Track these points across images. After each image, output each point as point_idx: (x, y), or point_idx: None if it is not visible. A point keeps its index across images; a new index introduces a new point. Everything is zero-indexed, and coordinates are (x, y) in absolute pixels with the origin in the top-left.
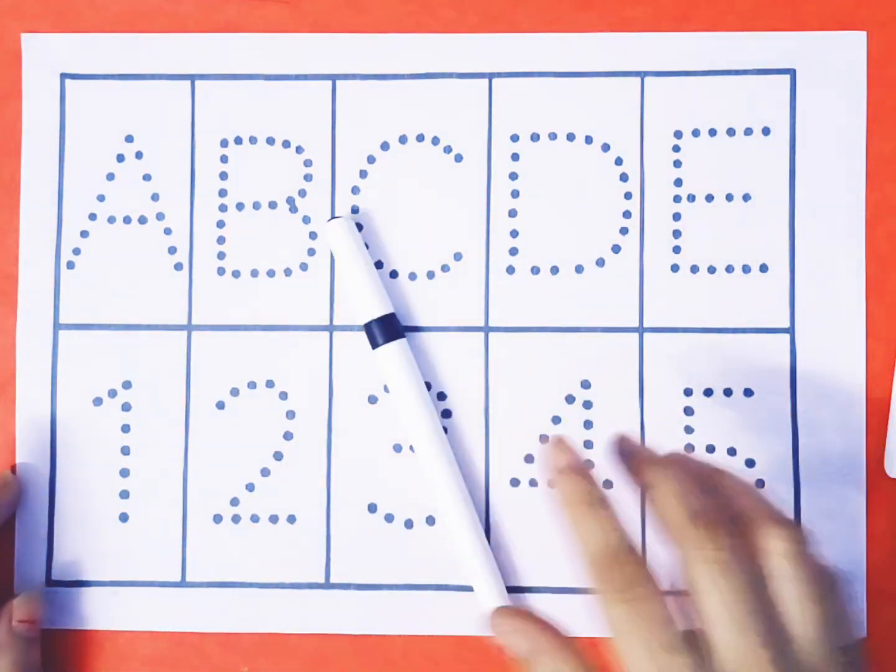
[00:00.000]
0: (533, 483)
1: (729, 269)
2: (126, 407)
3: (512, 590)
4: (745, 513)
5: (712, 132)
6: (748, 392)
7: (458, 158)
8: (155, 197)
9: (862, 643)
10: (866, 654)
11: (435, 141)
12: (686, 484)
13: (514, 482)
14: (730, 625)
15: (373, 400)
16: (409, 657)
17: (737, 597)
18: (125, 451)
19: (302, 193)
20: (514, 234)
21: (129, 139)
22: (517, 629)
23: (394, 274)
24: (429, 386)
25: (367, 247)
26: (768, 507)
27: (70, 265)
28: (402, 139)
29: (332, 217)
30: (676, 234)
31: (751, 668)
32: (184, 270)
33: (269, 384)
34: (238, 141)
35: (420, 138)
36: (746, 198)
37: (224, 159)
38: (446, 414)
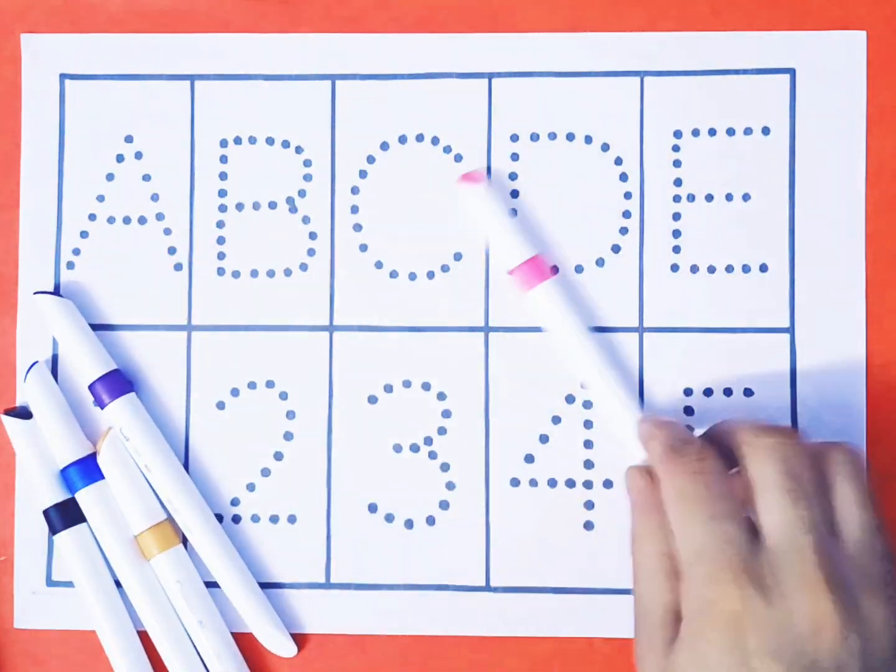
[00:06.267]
0: (533, 483)
1: (729, 269)
2: None
3: (512, 589)
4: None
5: (712, 132)
6: (748, 392)
7: (458, 158)
8: (155, 197)
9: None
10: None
11: (434, 141)
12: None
13: (515, 482)
14: (781, 508)
15: (373, 400)
16: (408, 657)
17: (791, 484)
18: None
19: (302, 194)
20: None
21: (129, 139)
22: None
23: (394, 274)
24: (429, 386)
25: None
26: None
27: (70, 265)
28: (402, 139)
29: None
30: (676, 233)
31: (794, 551)
32: (184, 270)
33: (269, 384)
34: (238, 141)
35: (420, 138)
36: (746, 198)
37: (224, 159)
38: (446, 414)
